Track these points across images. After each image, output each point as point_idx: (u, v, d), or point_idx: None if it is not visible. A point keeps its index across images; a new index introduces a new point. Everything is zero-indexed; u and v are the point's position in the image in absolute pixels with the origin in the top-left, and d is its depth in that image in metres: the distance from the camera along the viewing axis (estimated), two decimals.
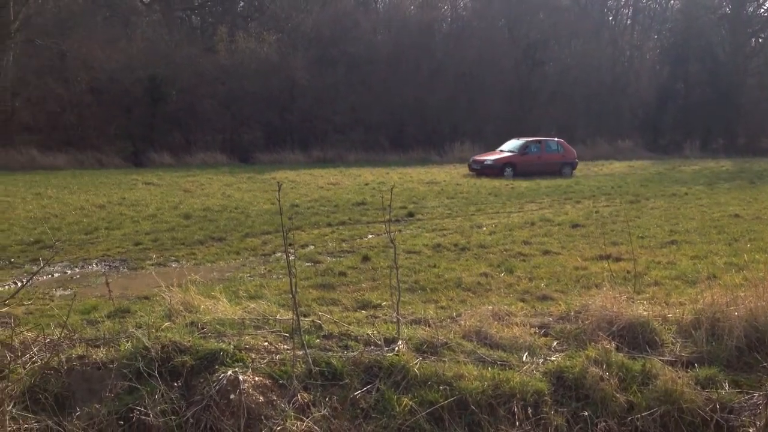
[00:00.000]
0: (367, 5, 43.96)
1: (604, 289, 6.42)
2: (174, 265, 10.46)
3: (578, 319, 6.07)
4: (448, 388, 4.65)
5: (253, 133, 35.79)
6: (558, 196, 19.69)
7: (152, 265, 10.30)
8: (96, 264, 10.41)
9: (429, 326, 5.76)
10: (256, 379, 4.64)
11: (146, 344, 4.77)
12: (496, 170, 26.39)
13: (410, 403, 4.57)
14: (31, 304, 7.61)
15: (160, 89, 32.08)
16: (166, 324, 5.51)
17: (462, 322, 5.87)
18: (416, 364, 4.89)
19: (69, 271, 9.83)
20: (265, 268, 9.87)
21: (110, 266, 10.32)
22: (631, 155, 39.57)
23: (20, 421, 3.76)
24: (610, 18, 53.35)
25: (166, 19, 38.20)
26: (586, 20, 49.02)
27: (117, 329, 5.69)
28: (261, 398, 4.49)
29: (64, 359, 4.72)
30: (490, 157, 27.51)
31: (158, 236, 12.28)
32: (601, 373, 4.97)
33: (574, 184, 23.30)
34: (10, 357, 4.79)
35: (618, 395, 4.89)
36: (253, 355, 4.97)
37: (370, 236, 12.63)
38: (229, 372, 4.62)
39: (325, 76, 36.71)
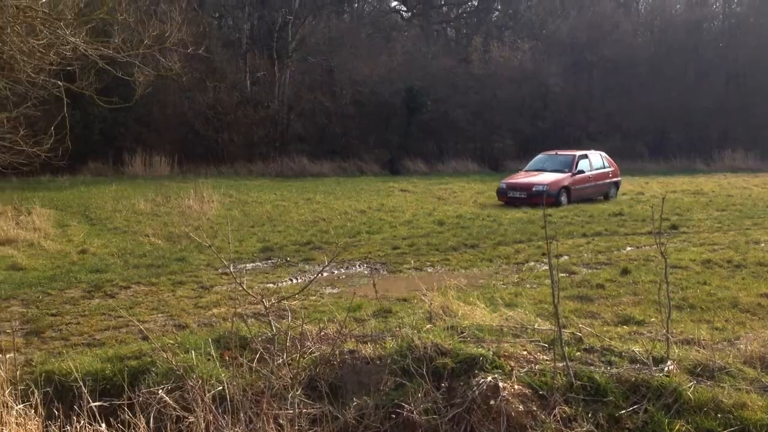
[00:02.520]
0: (627, 7, 41.95)
1: None
2: (429, 269, 10.80)
3: None
4: (729, 416, 4.22)
5: (503, 141, 35.91)
6: None
7: (409, 269, 10.74)
8: (359, 265, 11.11)
9: (703, 348, 5.29)
10: (516, 387, 4.60)
11: (412, 344, 4.96)
12: (551, 197, 18.34)
13: (684, 428, 4.23)
14: (305, 299, 8.32)
15: (416, 100, 33.49)
16: (427, 326, 5.69)
17: (742, 346, 5.32)
18: (690, 387, 4.51)
19: (336, 271, 10.60)
20: (518, 277, 9.81)
21: (372, 268, 10.95)
22: None
23: (301, 406, 4.12)
24: None
25: (424, 33, 39.83)
26: None
27: (381, 328, 6.01)
28: (521, 407, 4.44)
29: (337, 352, 5.07)
30: (537, 180, 19.44)
31: (414, 241, 12.77)
32: None
33: None
34: (291, 347, 5.27)
35: None
36: (512, 363, 4.94)
37: (629, 248, 11.97)
38: (489, 378, 4.64)
39: (579, 81, 35.72)
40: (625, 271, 9.51)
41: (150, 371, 5.69)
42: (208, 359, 5.60)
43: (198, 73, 28.49)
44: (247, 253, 11.70)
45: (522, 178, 20.16)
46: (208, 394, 4.51)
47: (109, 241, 12.90)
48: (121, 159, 27.08)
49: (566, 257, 11.18)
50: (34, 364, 5.87)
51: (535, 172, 20.28)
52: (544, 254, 11.39)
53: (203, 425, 3.53)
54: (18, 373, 4.22)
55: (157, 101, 26.87)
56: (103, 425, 3.61)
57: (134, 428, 3.64)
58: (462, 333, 5.53)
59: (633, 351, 5.14)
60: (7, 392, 3.64)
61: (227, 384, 4.05)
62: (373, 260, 11.41)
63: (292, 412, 3.84)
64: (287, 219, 15.61)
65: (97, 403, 4.15)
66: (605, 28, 37.40)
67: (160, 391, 4.73)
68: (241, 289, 9.14)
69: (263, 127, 31.35)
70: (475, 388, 4.58)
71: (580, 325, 5.74)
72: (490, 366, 4.87)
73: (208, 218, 15.35)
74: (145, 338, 7.03)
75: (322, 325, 5.80)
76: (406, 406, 4.42)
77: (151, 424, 3.74)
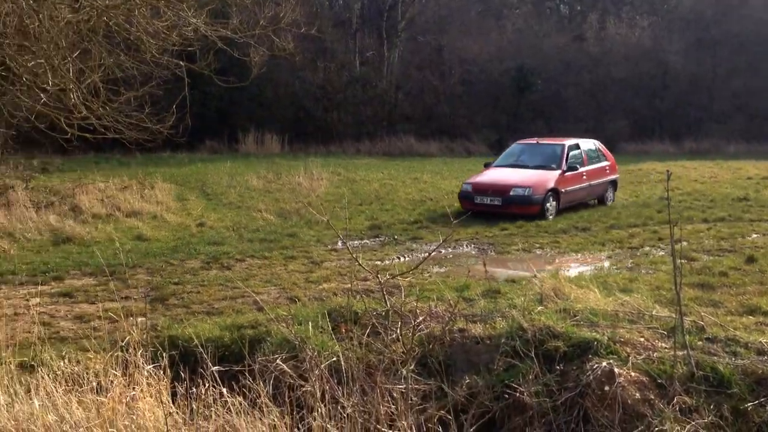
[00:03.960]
0: None
1: None
2: (538, 251, 10.61)
3: None
4: None
5: (617, 122, 34.52)
6: None
7: (518, 250, 10.59)
8: (467, 246, 11.05)
9: None
10: (633, 374, 4.46)
11: (523, 325, 4.89)
12: (534, 205, 13.27)
13: None
14: (413, 278, 8.37)
15: (526, 79, 32.75)
16: (538, 308, 5.60)
17: None
18: None
19: (443, 251, 10.59)
20: (633, 262, 9.47)
21: (480, 248, 10.86)
22: None
23: (412, 381, 4.15)
24: None
25: (536, 10, 38.82)
26: None
27: (491, 308, 5.95)
28: (638, 395, 4.30)
29: (447, 330, 5.08)
30: (516, 180, 13.76)
31: (522, 223, 12.56)
32: None
33: None
34: (402, 323, 5.31)
35: None
36: (629, 350, 4.79)
37: (755, 236, 11.30)
38: (604, 363, 4.51)
39: (702, 60, 33.80)
40: (750, 259, 8.97)
41: (266, 341, 5.91)
42: (321, 332, 5.75)
43: (309, 54, 28.99)
44: (355, 231, 11.88)
45: (493, 177, 14.26)
46: (322, 365, 4.63)
47: (225, 215, 13.43)
48: (235, 137, 28.03)
49: (685, 243, 10.68)
50: (159, 329, 6.20)
51: (510, 169, 14.48)
52: (660, 239, 10.94)
53: (319, 394, 3.63)
54: (146, 336, 4.47)
55: (269, 81, 27.54)
56: (225, 389, 3.77)
57: (254, 393, 3.78)
58: (575, 316, 5.41)
59: (761, 342, 4.86)
60: (138, 353, 3.87)
61: (342, 356, 4.13)
62: (480, 241, 11.33)
63: (403, 386, 3.87)
64: (394, 198, 15.71)
65: (217, 368, 4.34)
66: (732, 2, 35.15)
67: (278, 359, 4.89)
68: (351, 265, 9.33)
69: (371, 107, 31.58)
70: (589, 372, 4.47)
71: (702, 314, 5.47)
72: (605, 351, 4.74)
73: (318, 195, 15.68)
74: (260, 309, 7.29)
75: (432, 303, 5.82)
76: (518, 387, 4.37)
77: (270, 390, 3.87)
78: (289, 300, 7.87)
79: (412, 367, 3.97)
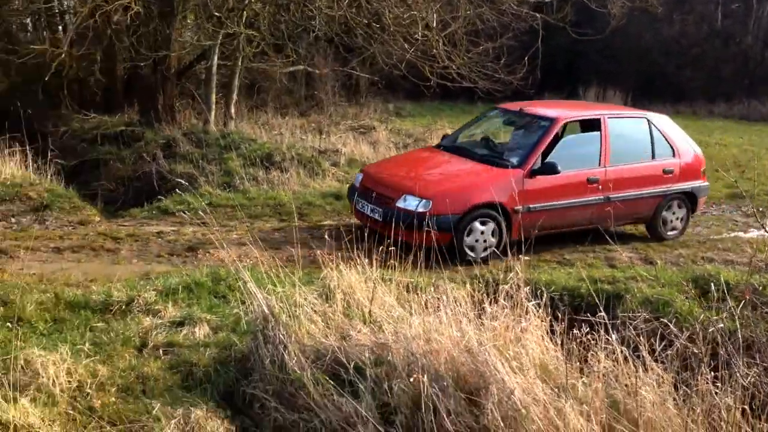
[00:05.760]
0: None
1: None
2: None
3: None
4: None
5: None
6: None
7: None
8: None
9: None
10: None
11: None
12: (440, 231, 6.92)
13: None
14: None
15: None
16: None
17: None
18: None
19: None
20: None
21: None
22: None
23: None
24: None
25: None
26: None
27: None
28: None
29: None
30: (415, 180, 7.80)
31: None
32: None
33: None
34: None
35: None
36: None
37: None
38: None
39: None
40: None
41: (624, 297, 5.91)
42: (686, 297, 5.58)
43: (666, 5, 27.13)
44: (712, 198, 11.07)
45: (391, 167, 8.91)
46: (685, 333, 4.50)
47: None
48: (575, 91, 27.62)
49: None
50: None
51: (447, 158, 8.63)
52: None
53: (707, 358, 3.54)
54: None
55: (619, 34, 26.46)
56: (604, 335, 3.86)
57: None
58: None
59: None
60: (523, 289, 4.15)
61: (738, 325, 3.94)
62: None
63: None
64: (758, 166, 14.22)
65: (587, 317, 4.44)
66: None
67: (640, 316, 4.86)
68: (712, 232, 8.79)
69: (731, 65, 28.61)
70: None
71: None
72: None
73: None
74: (612, 266, 7.29)
75: None
76: None
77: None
78: (642, 261, 7.72)
79: None
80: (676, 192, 8.64)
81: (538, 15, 15.49)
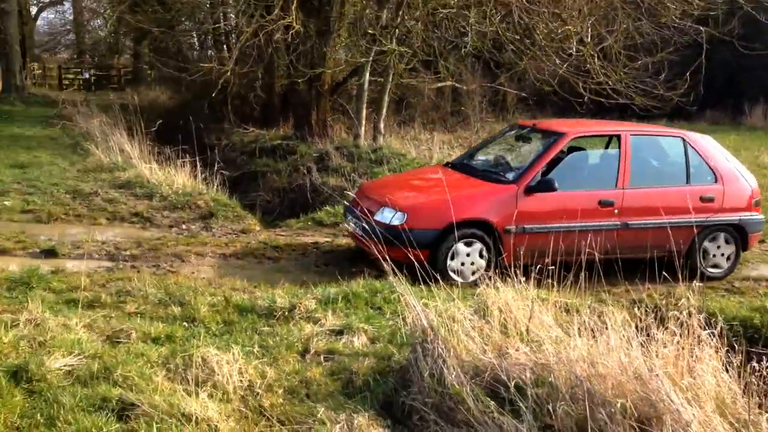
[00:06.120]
0: None
1: None
2: None
3: None
4: None
5: None
6: None
7: None
8: None
9: None
10: None
11: None
12: (421, 246, 6.26)
13: None
14: None
15: None
16: None
17: None
18: None
19: None
20: None
21: None
22: None
23: None
24: None
25: None
26: None
27: None
28: None
29: None
30: (398, 194, 7.39)
31: None
32: None
33: None
34: None
35: None
36: None
37: None
38: None
39: None
40: None
41: None
42: None
43: None
44: None
45: (394, 184, 8.32)
46: None
47: None
48: (740, 108, 25.94)
49: None
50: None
51: (447, 175, 7.72)
52: None
53: None
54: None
55: None
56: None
57: None
58: None
59: None
60: (695, 317, 3.94)
61: None
62: None
63: None
64: None
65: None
66: None
67: None
68: None
69: None
70: None
71: None
72: None
73: None
74: None
75: None
76: None
77: None
78: None
79: None
80: (717, 224, 7.48)
81: (702, 28, 14.68)
